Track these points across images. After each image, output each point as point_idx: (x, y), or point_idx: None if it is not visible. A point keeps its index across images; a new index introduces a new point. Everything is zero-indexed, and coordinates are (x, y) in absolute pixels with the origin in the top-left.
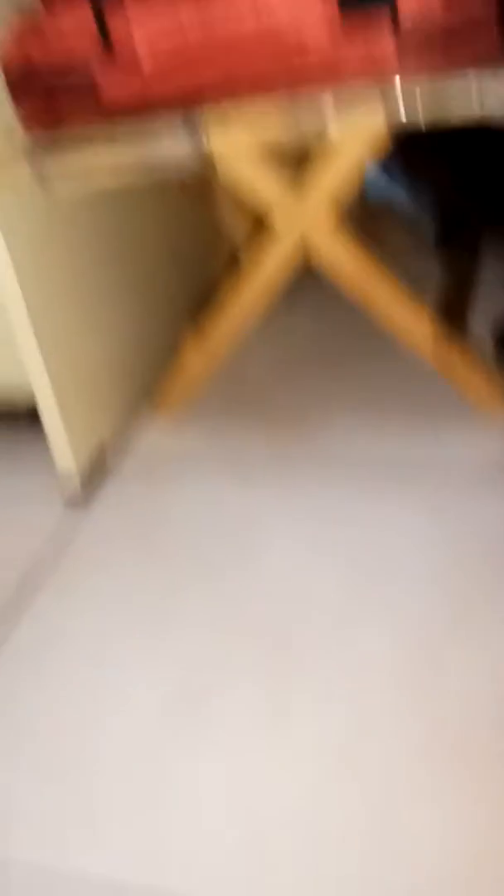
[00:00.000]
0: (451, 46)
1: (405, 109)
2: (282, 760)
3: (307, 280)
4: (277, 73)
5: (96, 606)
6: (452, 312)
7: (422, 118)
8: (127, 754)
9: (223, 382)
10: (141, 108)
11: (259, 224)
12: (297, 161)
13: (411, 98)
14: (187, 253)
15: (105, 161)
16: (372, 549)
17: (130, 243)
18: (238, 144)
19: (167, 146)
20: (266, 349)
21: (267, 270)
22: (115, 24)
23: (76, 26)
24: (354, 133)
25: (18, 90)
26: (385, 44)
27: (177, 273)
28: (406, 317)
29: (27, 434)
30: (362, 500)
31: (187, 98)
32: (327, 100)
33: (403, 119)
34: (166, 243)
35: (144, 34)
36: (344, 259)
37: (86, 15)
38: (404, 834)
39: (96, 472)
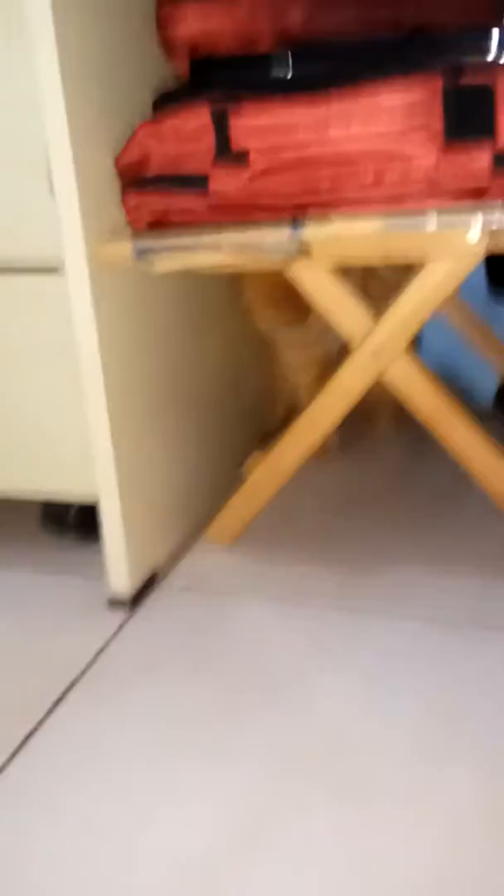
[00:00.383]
0: None
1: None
2: None
3: (365, 421)
4: (380, 184)
5: (138, 720)
6: None
7: None
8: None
9: (281, 515)
10: (248, 210)
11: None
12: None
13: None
14: (253, 389)
15: (205, 245)
16: (449, 691)
17: (203, 374)
18: (329, 257)
19: (268, 240)
20: (323, 488)
21: (342, 388)
22: (232, 127)
23: (195, 128)
24: (445, 254)
25: (130, 189)
26: (484, 165)
27: (242, 405)
28: (481, 453)
29: (74, 533)
30: (436, 640)
31: (293, 203)
32: (427, 217)
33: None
34: (236, 378)
35: (260, 138)
36: (420, 387)
37: (204, 117)
38: None
39: (147, 590)
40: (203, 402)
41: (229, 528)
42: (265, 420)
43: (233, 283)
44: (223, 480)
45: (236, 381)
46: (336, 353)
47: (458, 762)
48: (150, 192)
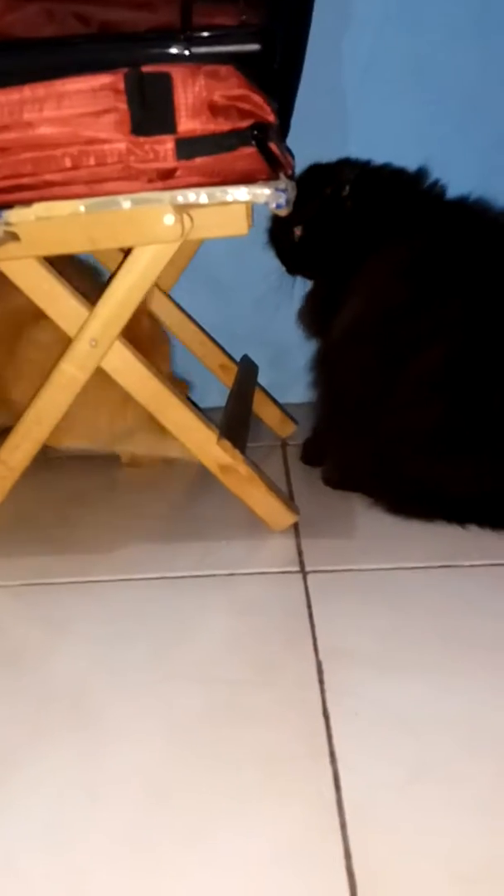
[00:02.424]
0: (221, 162)
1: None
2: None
3: None
4: (79, 168)
5: None
6: (236, 434)
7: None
8: None
9: (11, 515)
10: None
11: None
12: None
13: (192, 205)
14: None
15: None
16: (176, 624)
17: None
18: (37, 242)
19: None
20: (46, 490)
21: (65, 379)
22: None
23: None
24: (146, 238)
25: None
26: (168, 147)
27: None
28: (197, 431)
29: None
30: (165, 594)
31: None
32: (123, 199)
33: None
34: None
35: None
36: (137, 373)
37: None
38: None
39: None
40: None
41: None
42: None
43: None
44: None
45: None
46: None
47: (182, 686)
48: None
